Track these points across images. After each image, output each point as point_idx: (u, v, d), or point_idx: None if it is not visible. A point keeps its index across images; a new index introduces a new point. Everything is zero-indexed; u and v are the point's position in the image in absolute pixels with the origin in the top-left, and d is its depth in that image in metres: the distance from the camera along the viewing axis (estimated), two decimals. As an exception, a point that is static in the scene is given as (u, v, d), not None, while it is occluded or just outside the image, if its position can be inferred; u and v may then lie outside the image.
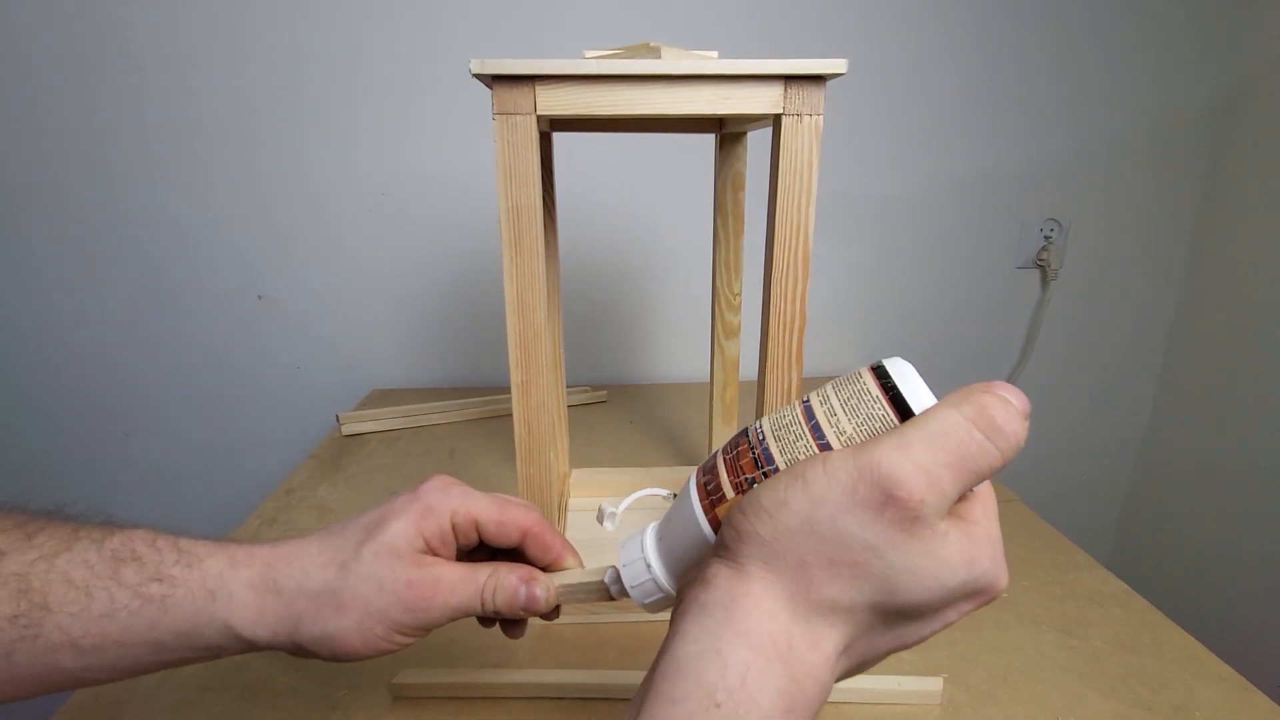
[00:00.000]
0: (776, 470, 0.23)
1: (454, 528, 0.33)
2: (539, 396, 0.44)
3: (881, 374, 0.23)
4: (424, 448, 0.81)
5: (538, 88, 0.39)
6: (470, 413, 0.90)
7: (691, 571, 0.26)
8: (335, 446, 0.81)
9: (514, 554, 0.35)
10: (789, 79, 0.39)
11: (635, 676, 0.44)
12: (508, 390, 0.44)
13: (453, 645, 0.48)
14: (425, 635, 0.32)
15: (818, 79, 0.40)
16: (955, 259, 1.05)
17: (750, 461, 0.24)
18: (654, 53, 0.40)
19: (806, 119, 0.40)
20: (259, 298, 0.97)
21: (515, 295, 0.42)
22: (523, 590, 0.32)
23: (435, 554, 0.32)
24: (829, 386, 0.24)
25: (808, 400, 0.24)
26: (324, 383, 1.01)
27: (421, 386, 1.02)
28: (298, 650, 0.31)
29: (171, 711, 0.42)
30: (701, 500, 0.26)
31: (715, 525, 0.25)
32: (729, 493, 0.25)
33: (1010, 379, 1.10)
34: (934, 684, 0.43)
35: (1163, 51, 0.98)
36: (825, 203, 0.98)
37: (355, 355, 1.01)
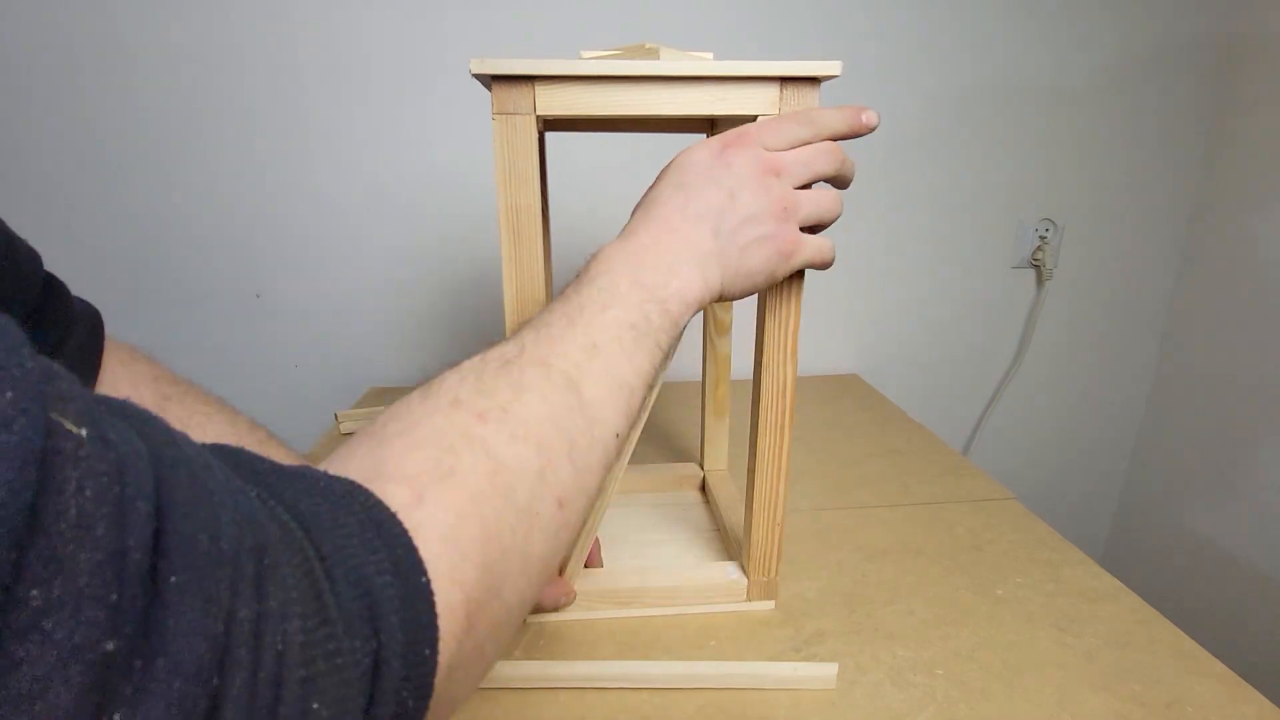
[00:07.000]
0: None
1: None
2: (537, 395, 0.44)
3: None
4: (422, 446, 0.81)
5: (537, 88, 0.39)
6: (468, 411, 0.89)
7: None
8: (333, 445, 0.80)
9: None
10: (784, 80, 0.40)
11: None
12: (506, 388, 0.44)
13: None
14: None
15: (813, 80, 0.40)
16: (951, 258, 1.05)
17: None
18: (652, 54, 0.41)
19: (803, 119, 0.40)
20: (257, 296, 0.97)
21: (514, 294, 0.42)
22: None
23: None
24: None
25: None
26: (322, 381, 1.01)
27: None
28: None
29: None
30: None
31: None
32: None
33: (1006, 378, 1.11)
34: (829, 669, 0.44)
35: (1159, 54, 0.98)
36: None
37: (354, 354, 1.01)
